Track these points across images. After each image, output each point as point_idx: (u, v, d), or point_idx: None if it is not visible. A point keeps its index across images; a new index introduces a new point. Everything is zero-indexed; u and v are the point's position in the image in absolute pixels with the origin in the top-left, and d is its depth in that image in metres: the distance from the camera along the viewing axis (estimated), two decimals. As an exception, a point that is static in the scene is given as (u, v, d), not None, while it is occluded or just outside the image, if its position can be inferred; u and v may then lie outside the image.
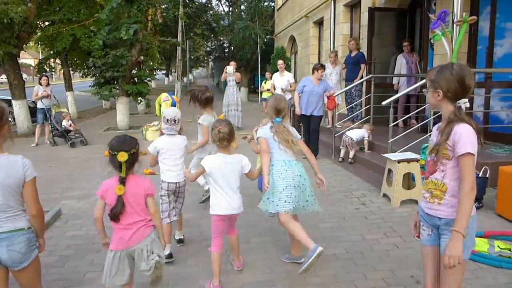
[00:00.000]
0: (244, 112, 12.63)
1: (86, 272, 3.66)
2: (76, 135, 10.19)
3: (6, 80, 11.94)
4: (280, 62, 10.04)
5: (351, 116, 9.32)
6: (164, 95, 10.79)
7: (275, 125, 3.47)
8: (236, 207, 3.30)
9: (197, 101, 4.74)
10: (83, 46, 12.90)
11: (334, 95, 7.89)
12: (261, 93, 12.27)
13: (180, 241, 4.17)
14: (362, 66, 9.20)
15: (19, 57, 12.03)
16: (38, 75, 14.43)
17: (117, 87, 11.55)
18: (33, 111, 11.99)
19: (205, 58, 42.45)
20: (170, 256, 3.74)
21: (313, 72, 7.70)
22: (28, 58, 56.69)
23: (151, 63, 11.93)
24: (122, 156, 2.54)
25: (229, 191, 3.25)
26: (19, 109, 11.73)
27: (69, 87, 16.30)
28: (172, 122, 3.79)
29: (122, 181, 2.58)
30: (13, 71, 11.46)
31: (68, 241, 4.35)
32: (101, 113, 17.91)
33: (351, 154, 7.26)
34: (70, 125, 10.18)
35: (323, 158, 7.86)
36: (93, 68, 11.34)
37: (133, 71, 12.08)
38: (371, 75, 8.70)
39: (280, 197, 3.41)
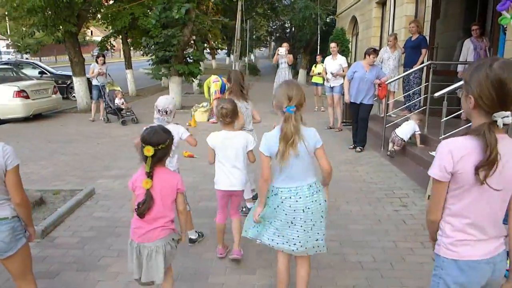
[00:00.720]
0: None
1: (101, 257, 3.63)
2: (127, 113, 10.41)
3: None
4: (332, 45, 9.49)
5: (407, 104, 8.63)
6: (213, 77, 10.69)
7: (286, 116, 2.46)
8: (237, 184, 3.40)
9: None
10: (141, 25, 13.06)
11: (387, 82, 7.30)
12: (312, 77, 11.76)
13: (192, 241, 3.87)
14: (423, 51, 8.42)
15: (78, 35, 12.42)
16: (96, 52, 14.92)
17: (169, 67, 11.58)
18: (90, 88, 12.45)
19: (267, 38, 41.96)
20: (191, 241, 3.85)
21: (364, 57, 7.16)
22: (99, 35, 59.51)
23: (202, 43, 11.81)
24: (148, 151, 2.45)
25: (229, 167, 3.38)
26: (79, 86, 12.22)
27: (128, 65, 16.73)
28: (164, 112, 3.52)
29: (149, 175, 2.48)
30: (73, 49, 11.89)
31: (93, 222, 4.36)
32: (159, 91, 18.29)
33: (395, 148, 6.66)
34: (122, 103, 10.41)
35: (371, 149, 7.36)
36: (147, 47, 11.44)
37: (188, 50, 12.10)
38: (430, 62, 7.93)
39: (266, 225, 2.72)
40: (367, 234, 4.02)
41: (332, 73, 9.22)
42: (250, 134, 4.17)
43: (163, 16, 10.79)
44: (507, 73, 1.59)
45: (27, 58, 20.00)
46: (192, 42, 11.62)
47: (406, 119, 7.11)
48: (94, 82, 10.32)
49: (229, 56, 46.08)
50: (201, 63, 12.91)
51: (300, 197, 2.56)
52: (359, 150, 7.27)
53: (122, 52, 18.91)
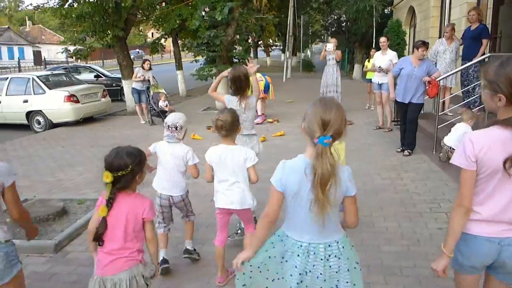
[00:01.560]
0: (347, 93, 11.66)
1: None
2: (170, 115, 10.39)
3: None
4: (382, 39, 8.77)
5: (467, 101, 7.76)
6: (257, 76, 10.37)
7: (319, 150, 1.80)
8: (235, 202, 3.07)
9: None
10: (188, 27, 13.06)
11: (438, 78, 6.55)
12: (365, 73, 11.07)
13: (187, 252, 3.52)
14: (484, 41, 7.50)
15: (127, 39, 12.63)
16: (139, 53, 15.11)
17: (213, 67, 11.44)
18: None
19: (322, 33, 40.99)
20: (164, 262, 3.36)
21: (413, 51, 6.48)
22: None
23: (246, 42, 11.54)
24: (107, 177, 2.18)
25: (226, 184, 3.08)
26: (127, 89, 12.43)
27: (179, 66, 16.89)
28: (173, 128, 3.25)
29: (108, 203, 2.22)
30: (122, 53, 12.11)
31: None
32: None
33: (448, 154, 5.93)
34: (166, 106, 10.41)
35: (421, 153, 6.66)
36: (192, 48, 11.40)
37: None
38: (491, 53, 7.04)
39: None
40: (402, 258, 3.48)
41: (380, 67, 8.53)
42: (251, 141, 3.84)
43: (206, 17, 10.65)
44: None
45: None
46: (235, 41, 11.36)
47: (458, 120, 6.33)
48: (133, 85, 10.45)
49: (283, 52, 45.66)
50: (246, 61, 12.62)
51: (311, 257, 1.95)
52: (407, 154, 6.60)
53: (173, 53, 19.15)
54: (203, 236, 4.01)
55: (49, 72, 12.70)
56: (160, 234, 3.40)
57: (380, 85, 8.64)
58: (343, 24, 29.84)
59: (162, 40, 16.60)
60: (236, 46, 11.58)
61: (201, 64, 12.24)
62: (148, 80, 10.60)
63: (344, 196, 1.90)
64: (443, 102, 7.91)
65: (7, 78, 11.36)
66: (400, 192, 4.99)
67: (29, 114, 10.80)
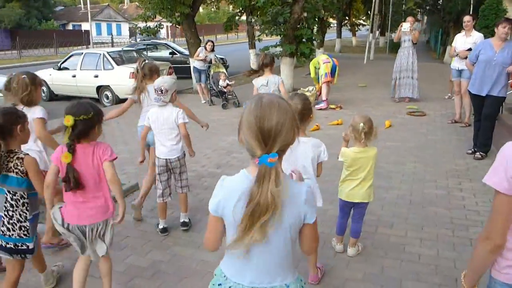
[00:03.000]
0: (426, 79, 10.40)
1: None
2: (228, 96, 10.06)
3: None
4: (467, 18, 7.42)
5: None
6: (324, 57, 9.57)
7: (261, 172, 1.34)
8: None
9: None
10: (256, 3, 12.52)
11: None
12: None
13: (184, 224, 3.78)
14: None
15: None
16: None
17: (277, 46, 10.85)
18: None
19: (416, 11, 37.83)
20: (163, 230, 3.73)
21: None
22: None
23: (314, 21, 10.67)
24: (68, 121, 2.27)
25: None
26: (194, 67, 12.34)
27: (252, 45, 16.49)
28: (159, 91, 3.45)
29: (70, 148, 2.31)
30: (189, 30, 11.96)
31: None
32: (277, 72, 17.75)
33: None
34: (226, 86, 10.08)
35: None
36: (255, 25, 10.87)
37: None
38: None
39: None
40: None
41: (456, 53, 7.27)
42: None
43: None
44: None
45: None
46: (303, 19, 10.57)
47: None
48: (194, 64, 10.27)
49: (372, 32, 43.05)
50: (315, 42, 11.80)
51: None
52: (479, 157, 5.51)
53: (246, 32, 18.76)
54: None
55: (119, 49, 13.02)
56: (159, 204, 3.72)
57: (460, 71, 7.38)
58: (439, 1, 27.07)
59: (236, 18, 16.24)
60: (304, 25, 10.77)
61: (277, 43, 11.68)
62: (216, 58, 10.37)
63: (302, 224, 1.47)
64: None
65: (82, 53, 11.84)
66: (453, 208, 4.07)
67: (99, 89, 11.18)
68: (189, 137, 3.62)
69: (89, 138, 2.36)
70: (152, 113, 3.57)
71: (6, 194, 2.47)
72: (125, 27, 54.79)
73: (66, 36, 37.05)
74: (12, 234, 2.46)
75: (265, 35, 11.46)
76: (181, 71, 14.24)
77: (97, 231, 2.46)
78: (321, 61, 9.36)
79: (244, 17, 16.64)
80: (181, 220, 3.79)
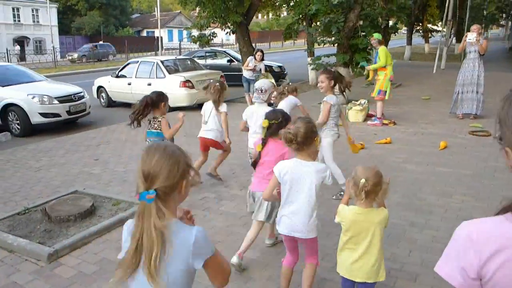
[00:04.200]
0: (496, 94, 9.23)
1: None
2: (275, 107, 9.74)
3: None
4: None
5: None
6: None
7: (141, 207, 1.42)
8: (299, 230, 2.64)
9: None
10: (309, 12, 12.11)
11: None
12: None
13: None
14: None
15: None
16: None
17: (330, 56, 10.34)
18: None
19: (498, 16, 34.97)
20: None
21: None
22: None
23: (372, 29, 9.99)
24: (264, 123, 3.27)
25: (293, 207, 2.65)
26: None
27: (310, 52, 16.00)
28: (259, 91, 4.31)
29: (263, 142, 3.29)
30: (242, 39, 11.86)
31: (113, 253, 3.78)
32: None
33: None
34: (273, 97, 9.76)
35: None
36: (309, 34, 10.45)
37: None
38: None
39: None
40: None
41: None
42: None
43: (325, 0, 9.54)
44: None
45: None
46: (358, 27, 9.97)
47: None
48: (244, 73, 10.08)
49: (446, 38, 40.39)
50: (370, 51, 11.06)
51: None
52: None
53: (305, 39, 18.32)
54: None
55: (174, 57, 13.22)
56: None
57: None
58: (525, 5, 24.81)
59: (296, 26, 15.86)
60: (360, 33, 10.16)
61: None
62: (260, 70, 10.14)
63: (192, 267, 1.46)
64: None
65: (138, 61, 12.15)
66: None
67: (152, 97, 11.37)
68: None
69: (277, 137, 3.22)
70: (248, 109, 4.41)
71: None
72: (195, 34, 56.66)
73: (139, 43, 38.98)
74: None
75: (317, 44, 11.00)
76: (238, 79, 14.18)
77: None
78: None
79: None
80: None
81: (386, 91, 8.40)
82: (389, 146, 6.92)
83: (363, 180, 2.30)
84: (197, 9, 12.05)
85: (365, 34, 10.16)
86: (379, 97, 8.43)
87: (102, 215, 4.39)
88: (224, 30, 11.79)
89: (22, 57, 33.39)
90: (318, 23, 10.55)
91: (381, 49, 8.39)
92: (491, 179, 5.21)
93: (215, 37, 12.48)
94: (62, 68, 26.51)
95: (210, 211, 4.58)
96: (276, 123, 3.20)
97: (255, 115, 4.23)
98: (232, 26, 11.47)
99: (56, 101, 9.40)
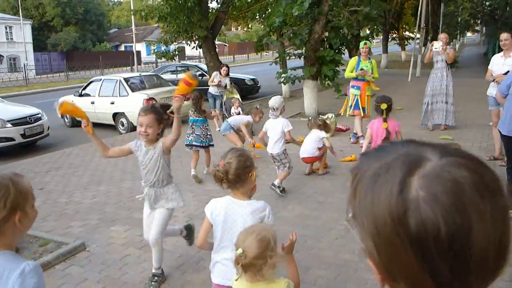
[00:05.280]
0: (468, 103, 9.19)
1: None
2: (242, 124, 9.35)
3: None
4: (504, 36, 6.19)
5: None
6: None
7: None
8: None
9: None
10: (271, 24, 11.83)
11: None
12: None
13: (273, 185, 5.27)
14: None
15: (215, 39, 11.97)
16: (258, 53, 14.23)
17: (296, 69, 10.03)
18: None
19: (471, 23, 35.44)
20: None
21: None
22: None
23: (338, 40, 9.72)
24: (384, 106, 4.73)
25: (227, 253, 2.29)
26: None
27: (283, 64, 15.75)
28: (272, 109, 5.28)
29: (385, 120, 4.80)
30: (209, 53, 11.51)
31: None
32: (300, 96, 16.76)
33: None
34: (239, 113, 9.38)
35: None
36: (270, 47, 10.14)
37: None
38: None
39: None
40: None
41: (493, 78, 6.10)
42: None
43: (287, 12, 9.25)
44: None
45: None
46: (323, 39, 9.70)
47: None
48: (210, 89, 9.70)
49: (425, 45, 40.81)
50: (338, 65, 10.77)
51: None
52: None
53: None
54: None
55: (138, 74, 12.80)
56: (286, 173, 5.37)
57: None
58: (497, 12, 25.07)
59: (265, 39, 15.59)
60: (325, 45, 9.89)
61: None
62: (225, 86, 9.78)
63: None
64: None
65: (101, 79, 11.69)
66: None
67: (115, 116, 10.91)
68: (293, 140, 5.58)
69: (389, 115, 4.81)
70: (267, 123, 5.45)
71: (201, 127, 6.16)
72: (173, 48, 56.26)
73: (115, 58, 38.40)
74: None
75: (282, 57, 10.72)
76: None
77: None
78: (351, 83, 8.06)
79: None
80: (273, 182, 5.29)
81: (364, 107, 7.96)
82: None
83: (239, 251, 1.81)
84: (161, 24, 11.64)
85: (331, 45, 9.89)
86: (353, 113, 8.05)
87: (25, 257, 3.91)
88: (190, 45, 11.41)
89: (-6, 75, 32.48)
90: (283, 35, 10.23)
91: (373, 60, 8.02)
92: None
93: (180, 51, 12.10)
94: (34, 86, 25.81)
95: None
96: (390, 104, 4.78)
97: (273, 127, 5.32)
98: (197, 41, 11.11)
99: (9, 125, 8.90)
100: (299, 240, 3.99)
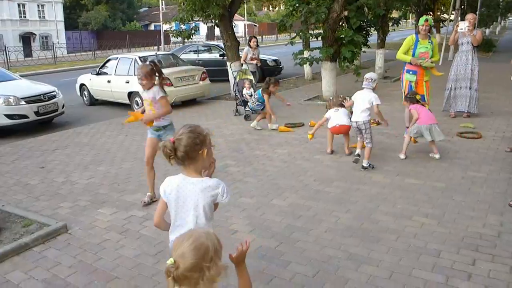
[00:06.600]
0: (495, 90, 8.58)
1: None
2: (253, 106, 9.08)
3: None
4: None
5: None
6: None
7: None
8: None
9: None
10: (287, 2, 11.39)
11: None
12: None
13: (363, 167, 5.35)
14: None
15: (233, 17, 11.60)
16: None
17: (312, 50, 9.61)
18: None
19: (513, 4, 33.40)
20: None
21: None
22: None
23: (357, 21, 9.20)
24: (418, 96, 5.89)
25: (181, 232, 2.01)
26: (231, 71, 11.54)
27: (306, 45, 15.26)
28: (370, 80, 5.42)
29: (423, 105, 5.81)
30: (226, 33, 11.18)
31: None
32: (338, 74, 16.22)
33: None
34: (251, 95, 9.10)
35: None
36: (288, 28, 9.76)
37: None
38: None
39: None
40: None
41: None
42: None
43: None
44: None
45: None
46: (343, 18, 9.20)
47: None
48: (233, 68, 9.63)
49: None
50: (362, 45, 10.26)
51: None
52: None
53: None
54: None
55: (153, 53, 12.62)
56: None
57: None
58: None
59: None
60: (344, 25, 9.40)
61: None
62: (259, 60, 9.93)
63: None
64: None
65: (117, 58, 11.60)
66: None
67: (130, 94, 10.84)
68: (381, 114, 5.59)
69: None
70: (356, 94, 5.55)
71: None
72: (203, 27, 56.04)
73: (144, 37, 38.56)
74: None
75: (299, 37, 10.30)
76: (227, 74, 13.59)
77: None
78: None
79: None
80: (362, 164, 5.39)
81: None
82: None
83: (170, 261, 1.50)
84: (178, 1, 11.37)
85: (350, 25, 9.39)
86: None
87: (4, 240, 3.85)
88: (207, 24, 11.13)
89: (28, 53, 33.31)
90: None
91: (434, 40, 6.79)
92: (464, 195, 4.48)
93: (196, 31, 11.82)
94: (62, 64, 26.25)
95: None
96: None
97: (362, 98, 5.42)
98: (215, 19, 10.80)
99: (23, 102, 8.95)
100: (285, 232, 3.79)
